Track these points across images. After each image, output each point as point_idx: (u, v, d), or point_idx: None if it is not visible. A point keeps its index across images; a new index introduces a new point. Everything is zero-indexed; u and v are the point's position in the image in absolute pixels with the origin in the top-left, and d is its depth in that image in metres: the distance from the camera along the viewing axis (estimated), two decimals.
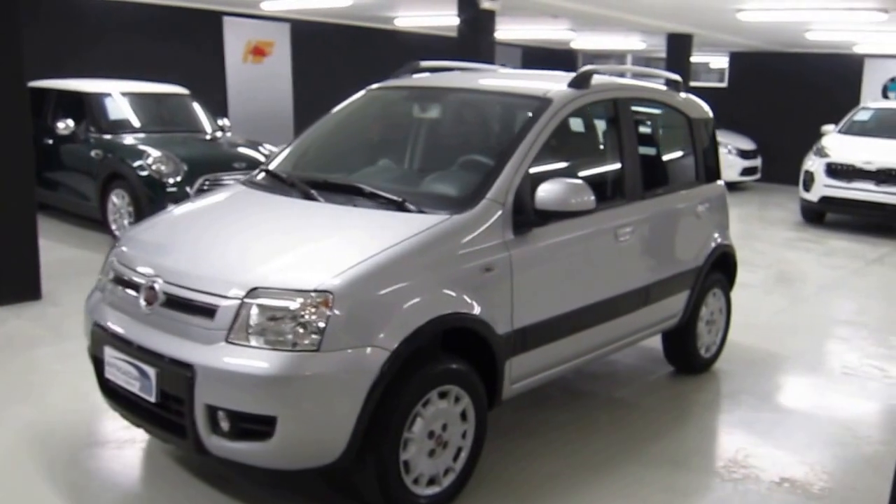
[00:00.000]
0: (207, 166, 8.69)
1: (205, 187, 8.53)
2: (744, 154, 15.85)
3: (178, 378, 3.23)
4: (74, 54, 11.51)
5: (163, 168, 8.46)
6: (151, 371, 3.34)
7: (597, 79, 4.50)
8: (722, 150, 9.73)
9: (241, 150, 9.37)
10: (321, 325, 3.10)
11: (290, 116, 14.63)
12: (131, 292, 3.61)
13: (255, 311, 3.16)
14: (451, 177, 4.11)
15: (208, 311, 3.25)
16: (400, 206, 3.73)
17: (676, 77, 5.39)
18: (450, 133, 4.82)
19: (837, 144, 11.98)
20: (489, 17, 9.80)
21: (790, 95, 17.19)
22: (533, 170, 3.93)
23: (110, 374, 3.59)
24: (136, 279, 3.60)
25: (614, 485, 3.99)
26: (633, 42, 18.09)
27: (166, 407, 3.34)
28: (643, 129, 5.04)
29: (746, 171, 15.96)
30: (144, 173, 8.46)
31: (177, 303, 3.37)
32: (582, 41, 18.46)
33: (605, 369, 5.51)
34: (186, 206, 4.34)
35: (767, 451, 4.44)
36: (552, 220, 3.92)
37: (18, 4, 6.21)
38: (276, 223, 3.84)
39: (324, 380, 3.10)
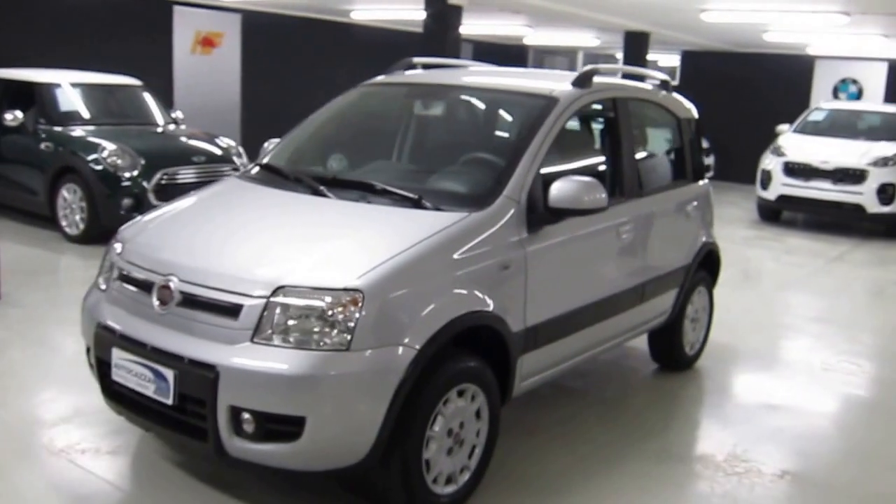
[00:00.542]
0: (165, 160, 8.40)
1: (163, 182, 8.25)
2: None
3: (199, 380, 3.13)
4: (16, 43, 11.07)
5: (119, 162, 8.14)
6: (169, 373, 3.22)
7: (596, 78, 4.47)
8: None
9: (198, 143, 9.08)
10: (351, 324, 3.05)
11: (238, 110, 14.33)
12: (141, 291, 3.48)
13: (281, 310, 3.10)
14: (463, 174, 4.07)
15: (232, 311, 3.16)
16: (416, 204, 3.66)
17: (666, 77, 5.34)
18: (455, 131, 4.77)
19: (794, 144, 12.11)
20: (456, 12, 9.68)
21: (742, 95, 17.39)
22: (543, 168, 3.92)
23: (118, 376, 3.44)
24: (147, 278, 3.47)
25: (623, 479, 4.01)
26: (586, 39, 18.14)
27: (183, 409, 3.22)
28: (639, 129, 5.00)
29: None
30: (99, 167, 8.12)
31: (195, 302, 3.27)
32: (535, 37, 18.45)
33: (590, 367, 5.46)
34: (187, 200, 4.17)
35: (763, 445, 4.50)
36: (564, 218, 3.89)
37: None
38: (291, 220, 3.76)
39: (353, 379, 3.05)
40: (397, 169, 4.48)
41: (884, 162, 11.28)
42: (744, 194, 14.27)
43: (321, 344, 3.05)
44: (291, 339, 3.08)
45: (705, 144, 16.25)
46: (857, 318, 7.40)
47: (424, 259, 3.32)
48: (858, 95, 16.70)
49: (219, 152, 8.95)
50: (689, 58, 18.60)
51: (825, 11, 10.23)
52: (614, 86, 4.76)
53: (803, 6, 10.03)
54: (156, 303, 3.37)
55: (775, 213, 12.38)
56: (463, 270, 3.43)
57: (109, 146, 8.20)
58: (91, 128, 8.75)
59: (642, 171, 4.75)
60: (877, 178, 11.16)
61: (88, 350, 3.72)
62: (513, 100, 4.54)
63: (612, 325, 4.55)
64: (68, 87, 9.12)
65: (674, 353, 5.46)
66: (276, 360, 3.04)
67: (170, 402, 3.22)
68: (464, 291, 3.42)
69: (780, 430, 4.71)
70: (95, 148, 8.21)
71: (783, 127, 12.98)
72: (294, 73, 14.97)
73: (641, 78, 5.43)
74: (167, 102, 12.37)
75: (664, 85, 5.34)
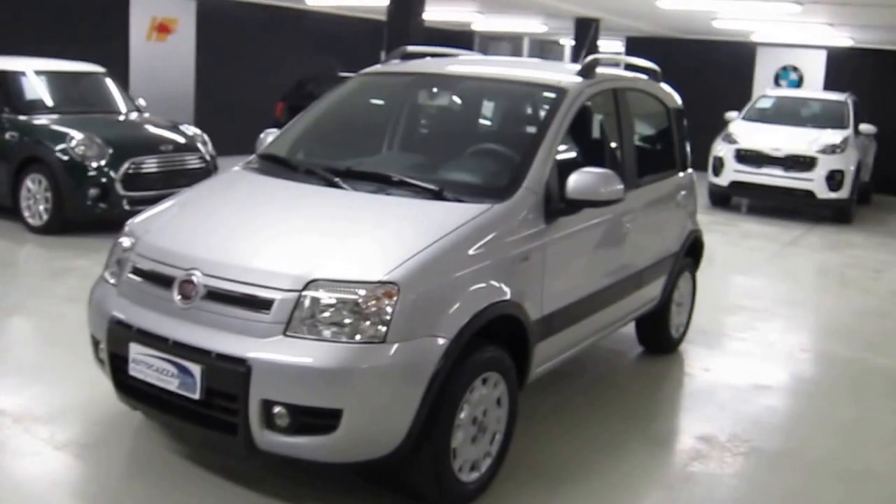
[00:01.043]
0: (133, 149, 8.27)
1: (130, 171, 8.12)
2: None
3: (229, 374, 3.12)
4: None
5: (86, 151, 7.99)
6: (196, 368, 3.20)
7: (598, 69, 4.54)
8: None
9: (164, 131, 8.94)
10: (386, 316, 3.09)
11: (192, 96, 14.10)
12: (159, 286, 3.44)
13: (315, 303, 3.12)
14: (480, 165, 4.11)
15: (263, 304, 3.16)
16: (436, 195, 3.69)
17: (655, 67, 5.45)
18: (467, 121, 4.80)
19: (744, 131, 12.42)
20: None
21: (687, 82, 17.43)
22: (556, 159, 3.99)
23: (137, 371, 3.39)
24: (166, 272, 3.43)
25: (634, 461, 4.13)
26: (534, 25, 18.29)
27: (209, 404, 3.21)
28: (636, 119, 5.11)
29: None
30: (66, 157, 7.95)
31: (223, 296, 3.25)
32: (484, 23, 18.52)
33: (578, 353, 5.57)
34: (196, 192, 4.14)
35: (761, 425, 4.67)
36: (580, 210, 3.97)
37: None
38: (313, 212, 3.75)
39: (389, 371, 3.09)
40: (409, 160, 4.49)
41: (832, 149, 11.67)
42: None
43: (356, 337, 3.08)
44: (325, 333, 3.10)
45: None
46: (822, 302, 7.70)
47: (453, 251, 3.37)
48: (799, 83, 17.17)
49: (184, 141, 8.84)
50: (634, 44, 18.86)
51: (780, 0, 10.50)
52: (613, 76, 4.86)
53: None
54: (177, 297, 3.34)
55: (726, 199, 12.71)
56: (488, 262, 3.49)
57: (77, 135, 8.04)
58: (55, 116, 8.55)
59: (640, 160, 4.85)
60: (825, 165, 11.55)
61: (97, 345, 3.67)
62: (523, 90, 4.60)
63: (615, 310, 4.68)
64: (32, 75, 8.89)
65: (661, 336, 5.62)
66: (311, 353, 3.06)
67: (196, 396, 3.20)
68: (489, 282, 3.47)
69: (775, 412, 4.92)
70: (63, 137, 8.04)
71: (732, 114, 13.28)
72: (249, 60, 14.78)
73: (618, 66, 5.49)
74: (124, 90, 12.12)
75: (654, 74, 5.45)
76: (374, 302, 3.09)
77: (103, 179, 7.99)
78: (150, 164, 8.29)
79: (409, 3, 9.67)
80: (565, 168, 3.97)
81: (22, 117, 8.42)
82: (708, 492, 3.91)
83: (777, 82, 17.18)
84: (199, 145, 8.92)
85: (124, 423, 4.04)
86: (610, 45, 21.59)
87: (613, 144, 4.71)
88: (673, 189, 5.36)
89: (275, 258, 3.32)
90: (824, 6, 10.86)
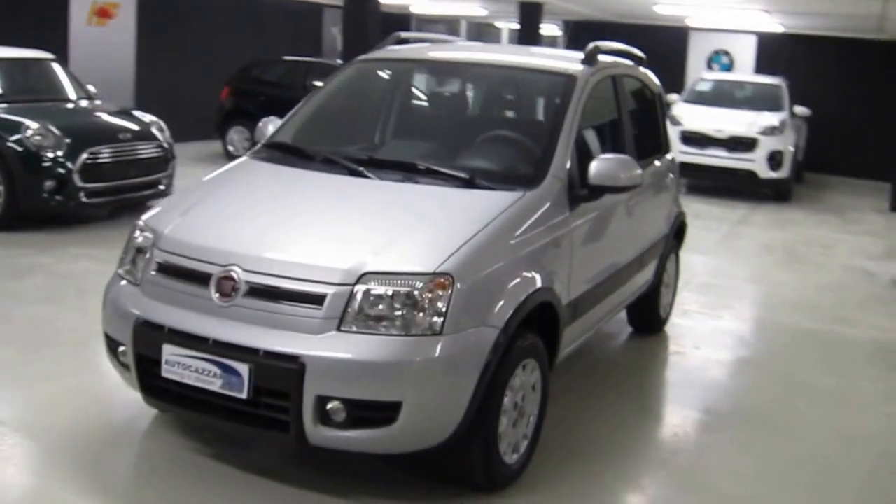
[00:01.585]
0: (90, 139, 7.97)
1: (88, 161, 7.87)
2: None
3: (280, 372, 3.08)
4: None
5: (43, 141, 7.68)
6: (243, 367, 3.13)
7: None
8: None
9: (120, 119, 8.68)
10: (442, 307, 3.10)
11: (132, 83, 13.70)
12: (192, 283, 3.33)
13: (369, 297, 3.10)
14: (501, 152, 4.13)
15: (314, 300, 3.13)
16: (467, 183, 3.69)
17: (641, 54, 5.55)
18: (479, 108, 4.81)
19: (688, 113, 12.73)
20: None
21: None
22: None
23: (172, 373, 3.29)
24: (201, 268, 3.32)
25: (660, 437, 4.36)
26: (473, 8, 18.33)
27: (256, 402, 3.15)
28: (632, 105, 5.20)
29: None
30: (21, 148, 7.65)
31: (268, 293, 3.18)
32: (423, 6, 18.46)
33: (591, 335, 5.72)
34: (213, 184, 4.02)
35: (755, 399, 4.90)
36: (601, 195, 4.04)
37: None
38: (344, 202, 3.69)
39: (447, 361, 3.11)
40: (425, 148, 4.44)
41: (771, 130, 12.07)
42: None
43: (411, 329, 3.08)
44: (381, 326, 3.09)
45: None
46: (784, 278, 7.98)
47: (497, 240, 3.41)
48: (730, 67, 17.64)
49: (140, 128, 8.60)
50: (573, 28, 19.07)
51: None
52: (612, 63, 4.93)
53: None
54: (215, 295, 3.25)
55: None
56: (527, 249, 3.56)
57: (32, 125, 7.72)
58: (5, 105, 8.20)
59: (638, 145, 4.94)
60: (766, 146, 11.95)
61: (116, 347, 3.54)
62: (534, 78, 4.64)
63: (622, 293, 4.80)
64: None
65: (651, 317, 5.76)
66: (368, 347, 3.05)
67: (244, 396, 3.14)
68: (530, 271, 3.53)
69: (767, 388, 5.10)
70: (17, 127, 7.70)
71: (674, 97, 13.58)
72: (191, 46, 14.43)
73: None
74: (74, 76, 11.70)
75: (640, 61, 5.55)
76: (429, 294, 3.10)
77: (60, 171, 7.69)
78: (108, 154, 8.03)
79: None
80: (580, 155, 4.03)
81: None
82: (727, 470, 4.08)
83: (709, 66, 17.61)
84: (156, 132, 8.68)
85: (122, 425, 3.98)
86: (548, 29, 21.76)
87: (617, 130, 4.79)
88: (663, 172, 5.49)
89: (321, 252, 3.28)
90: None
